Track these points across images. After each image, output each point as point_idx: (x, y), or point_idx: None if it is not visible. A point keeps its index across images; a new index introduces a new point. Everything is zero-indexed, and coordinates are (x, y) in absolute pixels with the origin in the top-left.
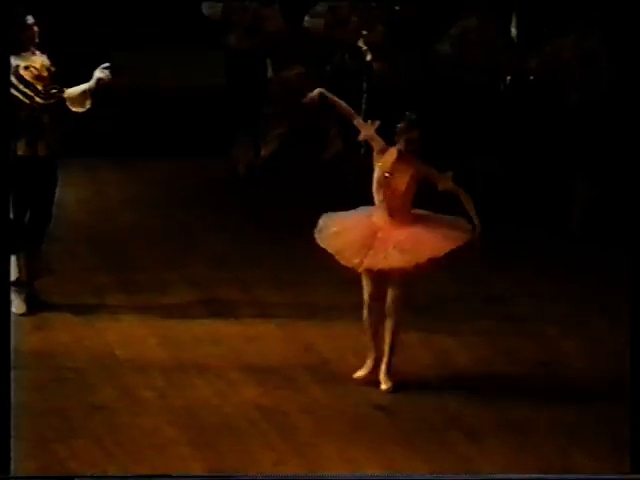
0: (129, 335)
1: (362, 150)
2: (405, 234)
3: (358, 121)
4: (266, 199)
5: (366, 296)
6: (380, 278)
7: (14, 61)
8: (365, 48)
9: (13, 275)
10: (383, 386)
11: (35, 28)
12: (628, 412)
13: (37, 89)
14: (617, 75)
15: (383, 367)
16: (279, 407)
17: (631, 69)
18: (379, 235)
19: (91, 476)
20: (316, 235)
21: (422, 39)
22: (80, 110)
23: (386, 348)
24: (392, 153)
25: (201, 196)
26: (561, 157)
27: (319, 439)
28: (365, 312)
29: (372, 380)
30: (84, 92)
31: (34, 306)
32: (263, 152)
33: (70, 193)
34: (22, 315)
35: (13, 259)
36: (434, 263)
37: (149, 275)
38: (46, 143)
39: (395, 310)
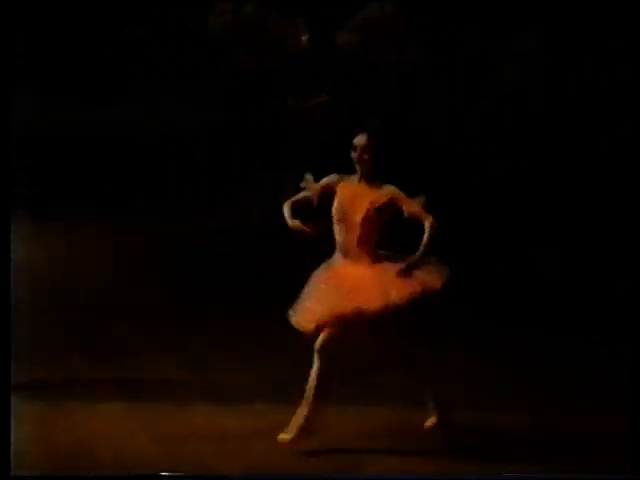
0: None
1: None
2: (373, 275)
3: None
4: None
5: (314, 377)
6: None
7: None
8: None
9: None
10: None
11: None
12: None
13: None
14: None
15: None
16: None
17: None
18: (341, 289)
19: (91, 476)
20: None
21: None
22: None
23: (430, 394)
24: (351, 181)
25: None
26: None
27: None
28: (311, 388)
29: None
30: None
31: None
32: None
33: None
34: None
35: None
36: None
37: None
38: None
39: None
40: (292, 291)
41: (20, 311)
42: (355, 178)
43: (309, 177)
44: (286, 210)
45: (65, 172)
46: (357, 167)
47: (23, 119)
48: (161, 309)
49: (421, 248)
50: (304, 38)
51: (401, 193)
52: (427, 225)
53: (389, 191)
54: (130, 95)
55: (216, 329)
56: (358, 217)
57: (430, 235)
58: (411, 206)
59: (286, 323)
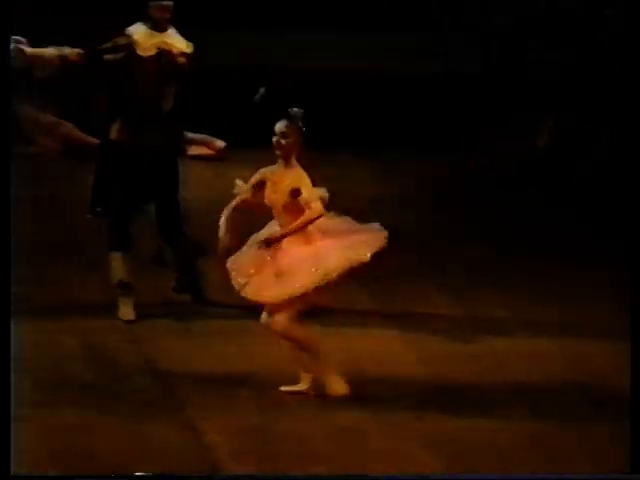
0: (382, 349)
1: None
2: (288, 259)
3: None
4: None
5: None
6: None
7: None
8: None
9: (116, 277)
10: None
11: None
12: (628, 412)
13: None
14: None
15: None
16: None
17: None
18: (268, 259)
19: (92, 476)
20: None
21: None
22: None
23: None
24: (277, 168)
25: (459, 196)
26: None
27: None
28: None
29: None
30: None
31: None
32: (538, 144)
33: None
34: (129, 322)
35: (116, 258)
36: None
37: (401, 284)
38: (150, 131)
39: None
40: None
41: None
42: (280, 164)
43: (239, 182)
44: (223, 220)
45: None
46: (277, 152)
47: None
48: None
49: (289, 227)
50: None
51: (306, 179)
52: (308, 213)
53: (295, 175)
54: None
55: None
56: (280, 202)
57: (304, 220)
58: (307, 193)
59: None
